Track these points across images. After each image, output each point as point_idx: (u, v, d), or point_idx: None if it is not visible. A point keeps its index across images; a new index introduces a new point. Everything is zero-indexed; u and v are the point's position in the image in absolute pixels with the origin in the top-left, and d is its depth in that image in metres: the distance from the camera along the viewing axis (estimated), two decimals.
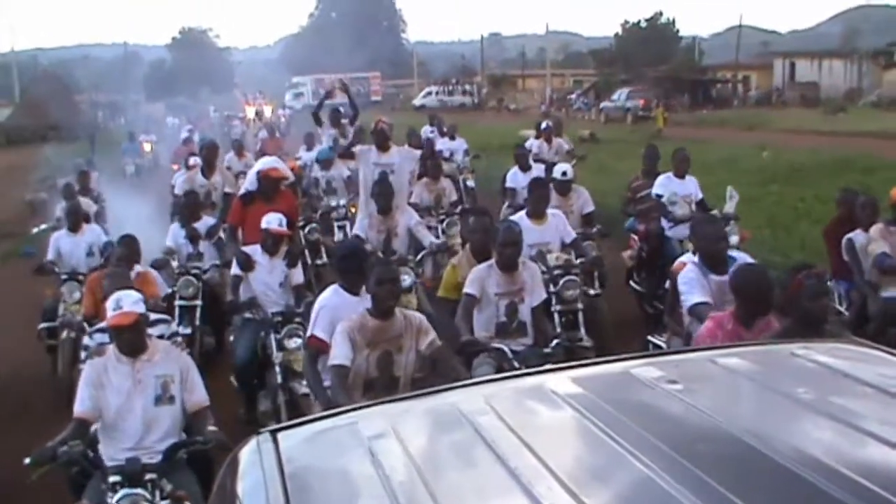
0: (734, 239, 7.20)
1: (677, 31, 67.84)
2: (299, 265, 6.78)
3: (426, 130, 16.55)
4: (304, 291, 6.60)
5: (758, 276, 4.37)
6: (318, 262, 9.63)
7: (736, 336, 4.20)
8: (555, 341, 5.29)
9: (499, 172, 13.31)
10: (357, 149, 8.39)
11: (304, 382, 5.62)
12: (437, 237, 8.61)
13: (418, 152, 9.12)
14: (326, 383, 4.62)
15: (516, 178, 9.64)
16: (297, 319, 5.96)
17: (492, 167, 15.00)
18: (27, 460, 3.78)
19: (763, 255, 8.43)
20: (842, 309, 6.74)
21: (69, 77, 61.05)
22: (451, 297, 5.65)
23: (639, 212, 8.57)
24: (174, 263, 7.64)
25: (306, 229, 9.70)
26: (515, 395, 2.18)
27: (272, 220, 6.40)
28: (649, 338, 5.85)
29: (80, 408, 4.07)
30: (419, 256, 7.52)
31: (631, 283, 8.54)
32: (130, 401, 4.13)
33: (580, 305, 6.50)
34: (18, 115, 44.64)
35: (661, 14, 66.78)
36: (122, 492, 3.75)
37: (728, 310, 4.48)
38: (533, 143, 12.67)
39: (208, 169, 9.37)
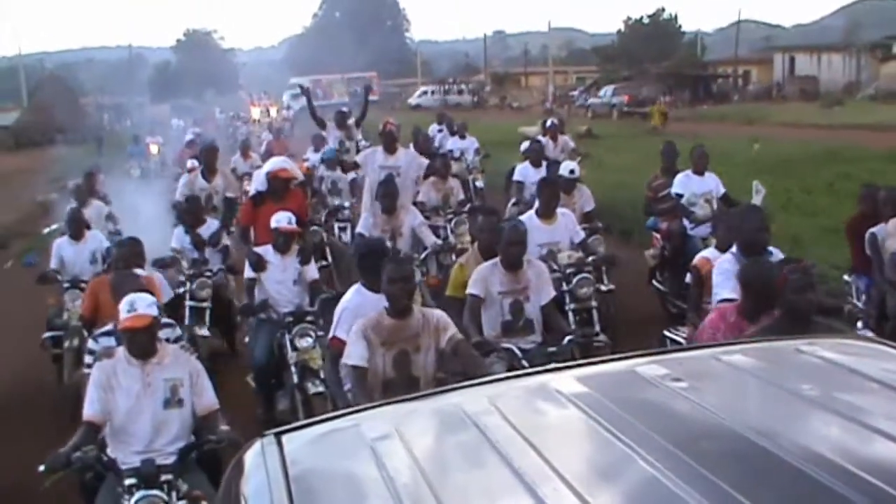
0: None
1: (680, 26, 67.76)
2: (312, 261, 6.77)
3: (434, 129, 16.49)
4: (320, 286, 6.61)
5: (766, 271, 4.36)
6: (324, 262, 9.62)
7: (737, 329, 4.22)
8: (567, 338, 5.27)
9: (502, 168, 13.25)
10: (361, 154, 8.39)
11: (317, 381, 5.64)
12: (446, 237, 8.60)
13: (426, 161, 9.04)
14: (347, 386, 4.58)
15: (526, 173, 9.46)
16: (309, 318, 5.97)
17: (494, 163, 14.92)
18: (41, 467, 3.73)
19: None
20: (858, 304, 6.66)
21: (74, 80, 61.24)
22: (458, 295, 5.65)
23: (660, 211, 8.52)
24: (184, 264, 7.62)
25: (311, 229, 9.69)
26: (520, 395, 2.17)
27: (282, 219, 6.42)
28: (666, 332, 5.75)
29: (89, 410, 4.04)
30: (422, 256, 7.52)
31: (654, 282, 8.52)
32: (140, 403, 4.11)
33: (594, 303, 6.51)
34: (26, 119, 44.62)
35: (663, 10, 66.80)
36: (138, 494, 3.73)
37: (734, 303, 4.49)
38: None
39: (209, 172, 9.33)
